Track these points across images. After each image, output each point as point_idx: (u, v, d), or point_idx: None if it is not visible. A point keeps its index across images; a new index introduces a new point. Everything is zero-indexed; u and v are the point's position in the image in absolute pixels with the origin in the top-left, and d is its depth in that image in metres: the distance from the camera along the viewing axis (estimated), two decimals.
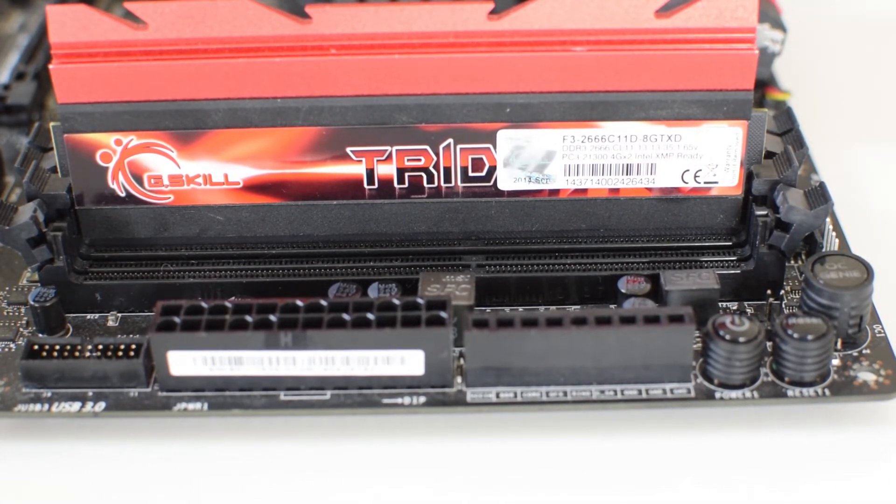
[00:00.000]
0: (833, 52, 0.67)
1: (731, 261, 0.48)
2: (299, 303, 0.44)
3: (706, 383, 0.44)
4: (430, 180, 0.47)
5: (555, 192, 0.48)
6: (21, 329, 0.48)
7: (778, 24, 0.56)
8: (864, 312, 0.45)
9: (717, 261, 0.48)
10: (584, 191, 0.48)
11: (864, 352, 0.46)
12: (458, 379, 0.45)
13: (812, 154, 0.56)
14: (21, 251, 0.46)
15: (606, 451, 0.44)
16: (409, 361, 0.44)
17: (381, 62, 0.45)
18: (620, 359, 0.44)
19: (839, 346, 0.46)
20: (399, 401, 0.44)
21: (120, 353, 0.45)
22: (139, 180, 0.47)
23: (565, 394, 0.44)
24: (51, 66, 0.45)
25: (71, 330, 0.47)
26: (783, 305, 0.48)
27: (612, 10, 0.45)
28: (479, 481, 0.43)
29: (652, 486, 0.43)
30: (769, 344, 0.45)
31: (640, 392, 0.44)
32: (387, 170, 0.47)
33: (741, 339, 0.43)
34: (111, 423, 0.45)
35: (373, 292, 0.47)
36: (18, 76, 0.61)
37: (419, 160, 0.47)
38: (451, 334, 0.44)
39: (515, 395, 0.44)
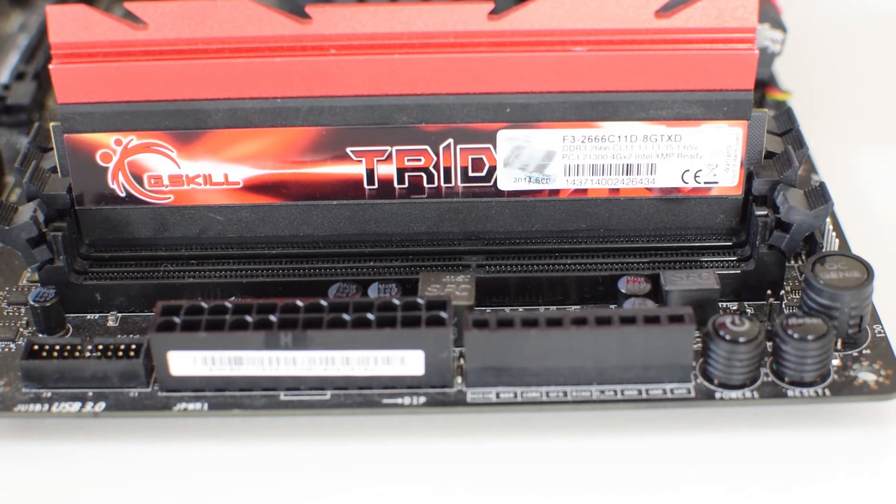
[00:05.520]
0: (833, 52, 0.67)
1: (731, 261, 0.48)
2: (299, 303, 0.44)
3: (706, 383, 0.44)
4: (430, 180, 0.47)
5: (555, 192, 0.48)
6: (21, 329, 0.48)
7: (778, 24, 0.56)
8: (864, 312, 0.45)
9: (717, 261, 0.48)
10: (584, 191, 0.48)
11: (864, 352, 0.46)
12: (458, 379, 0.45)
13: (812, 154, 0.56)
14: (21, 251, 0.46)
15: (606, 451, 0.44)
16: (409, 361, 0.44)
17: (381, 62, 0.45)
18: (620, 359, 0.44)
19: (839, 346, 0.46)
20: (399, 401, 0.44)
21: (120, 353, 0.45)
22: (139, 180, 0.47)
23: (565, 394, 0.44)
24: (51, 66, 0.45)
25: (71, 330, 0.47)
26: (783, 305, 0.48)
27: (612, 10, 0.45)
28: (479, 481, 0.43)
29: (652, 486, 0.43)
30: (769, 344, 0.45)
31: (640, 392, 0.44)
32: (387, 170, 0.47)
33: (741, 340, 0.44)
34: (111, 423, 0.45)
35: (373, 292, 0.47)
36: (18, 76, 0.61)
37: (419, 160, 0.47)
38: (451, 334, 0.44)
39: (515, 395, 0.44)
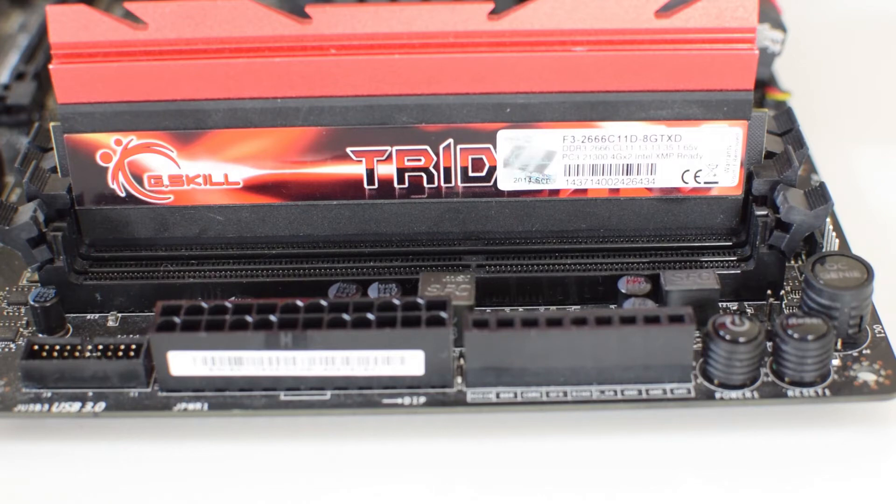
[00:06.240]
0: (833, 52, 0.67)
1: (731, 261, 0.48)
2: (299, 303, 0.44)
3: (706, 383, 0.44)
4: (430, 180, 0.47)
5: (555, 192, 0.48)
6: (21, 329, 0.48)
7: (778, 24, 0.56)
8: (864, 312, 0.45)
9: (717, 261, 0.48)
10: (584, 191, 0.48)
11: (864, 352, 0.46)
12: (458, 379, 0.45)
13: (812, 154, 0.56)
14: (21, 251, 0.46)
15: (606, 451, 0.44)
16: (409, 361, 0.44)
17: (381, 62, 0.45)
18: (620, 359, 0.44)
19: (839, 346, 0.46)
20: (399, 401, 0.44)
21: (120, 353, 0.45)
22: (139, 180, 0.47)
23: (565, 394, 0.44)
24: (51, 66, 0.45)
25: (71, 330, 0.47)
26: (783, 305, 0.48)
27: (612, 10, 0.45)
28: (479, 481, 0.43)
29: (652, 486, 0.43)
30: (769, 344, 0.45)
31: (640, 392, 0.44)
32: (387, 170, 0.47)
33: (741, 340, 0.44)
34: (111, 423, 0.45)
35: (373, 292, 0.47)
36: (18, 76, 0.61)
37: (419, 160, 0.47)
38: (451, 334, 0.44)
39: (515, 395, 0.44)
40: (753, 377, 0.44)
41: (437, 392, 0.44)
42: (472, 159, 0.47)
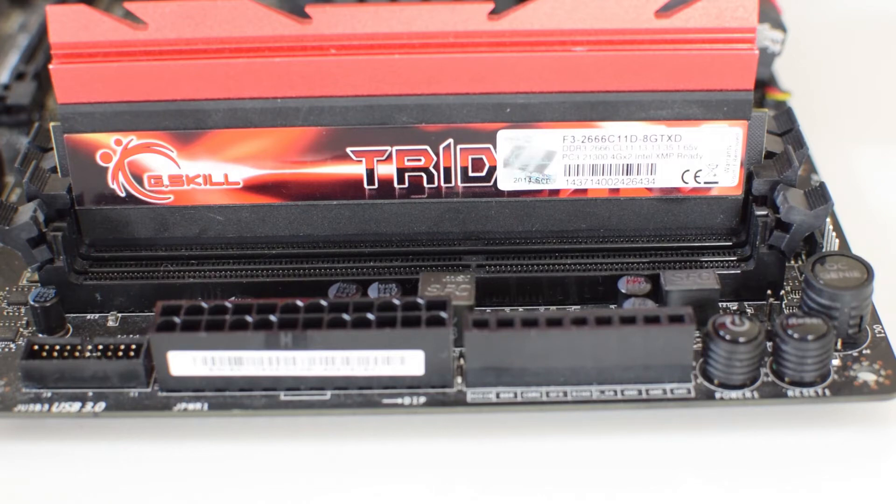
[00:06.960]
0: (833, 52, 0.67)
1: (731, 261, 0.48)
2: (299, 303, 0.44)
3: (706, 383, 0.44)
4: (430, 180, 0.47)
5: (555, 192, 0.48)
6: (21, 329, 0.48)
7: (778, 24, 0.56)
8: (864, 312, 0.45)
9: (717, 261, 0.48)
10: (584, 191, 0.48)
11: (864, 352, 0.46)
12: (458, 379, 0.45)
13: (812, 154, 0.56)
14: (21, 251, 0.46)
15: (606, 451, 0.44)
16: (409, 361, 0.44)
17: (381, 62, 0.45)
18: (620, 359, 0.44)
19: (839, 346, 0.46)
20: (399, 401, 0.44)
21: (120, 353, 0.45)
22: (139, 180, 0.47)
23: (565, 394, 0.44)
24: (51, 66, 0.45)
25: (71, 330, 0.47)
26: (783, 305, 0.48)
27: (612, 10, 0.45)
28: (478, 481, 0.43)
29: (652, 486, 0.43)
30: (769, 344, 0.45)
31: (640, 392, 0.44)
32: (387, 170, 0.47)
33: (741, 340, 0.44)
34: (111, 423, 0.45)
35: (373, 292, 0.47)
36: (18, 76, 0.61)
37: (419, 160, 0.47)
38: (451, 334, 0.44)
39: (515, 395, 0.44)
40: (753, 377, 0.44)
41: (437, 392, 0.44)
42: (472, 159, 0.47)
